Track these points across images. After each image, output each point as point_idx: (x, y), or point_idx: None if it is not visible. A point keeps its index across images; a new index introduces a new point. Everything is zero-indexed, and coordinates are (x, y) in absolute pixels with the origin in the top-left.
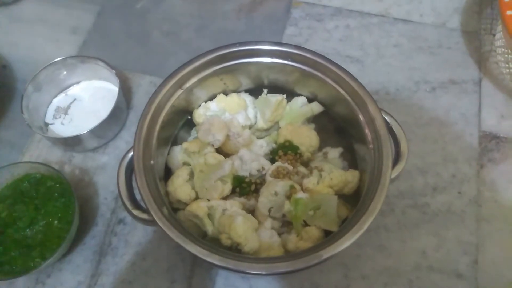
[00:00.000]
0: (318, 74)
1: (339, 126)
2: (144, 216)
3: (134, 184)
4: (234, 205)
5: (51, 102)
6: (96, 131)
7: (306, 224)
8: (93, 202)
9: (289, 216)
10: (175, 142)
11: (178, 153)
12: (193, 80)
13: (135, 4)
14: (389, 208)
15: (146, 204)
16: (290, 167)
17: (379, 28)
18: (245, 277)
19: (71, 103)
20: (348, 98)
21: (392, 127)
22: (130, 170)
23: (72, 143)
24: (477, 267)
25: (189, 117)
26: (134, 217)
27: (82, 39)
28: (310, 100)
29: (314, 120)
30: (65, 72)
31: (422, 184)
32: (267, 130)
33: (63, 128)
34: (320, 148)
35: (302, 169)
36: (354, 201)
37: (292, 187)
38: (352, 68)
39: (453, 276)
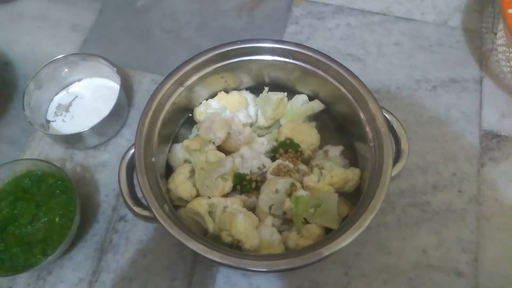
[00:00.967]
0: (319, 72)
1: (340, 124)
2: (145, 213)
3: (135, 181)
4: (235, 203)
5: (52, 99)
6: (97, 129)
7: (306, 222)
8: (94, 199)
9: (289, 213)
10: (176, 139)
11: (179, 151)
12: (194, 78)
13: (136, 2)
14: (390, 206)
15: (147, 202)
16: (291, 165)
17: (380, 26)
18: (246, 275)
19: (72, 100)
20: (349, 96)
21: (393, 125)
22: (131, 167)
23: (73, 140)
24: (477, 266)
25: (190, 115)
26: (135, 214)
27: (83, 37)
28: (311, 98)
29: (315, 118)
30: (66, 70)
31: (422, 183)
32: (268, 128)
33: (65, 125)
34: (321, 146)
35: (302, 167)
36: (354, 199)
37: (292, 184)
38: (353, 66)
39: (453, 274)
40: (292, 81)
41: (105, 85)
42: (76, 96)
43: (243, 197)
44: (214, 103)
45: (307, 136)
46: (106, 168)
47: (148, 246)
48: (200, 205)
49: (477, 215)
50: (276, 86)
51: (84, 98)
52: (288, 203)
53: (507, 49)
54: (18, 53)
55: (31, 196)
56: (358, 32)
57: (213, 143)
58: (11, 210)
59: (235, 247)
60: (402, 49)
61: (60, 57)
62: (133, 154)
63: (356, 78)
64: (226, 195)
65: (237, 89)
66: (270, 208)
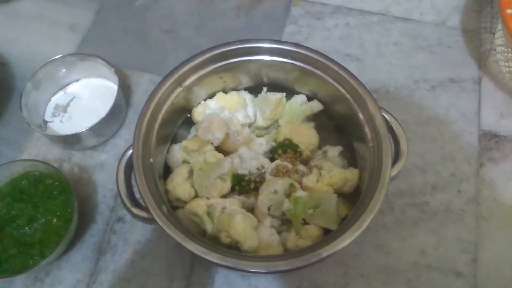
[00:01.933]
0: (318, 72)
1: (339, 124)
2: (143, 214)
3: (133, 182)
4: (234, 203)
5: (50, 100)
6: (95, 129)
7: (305, 223)
8: (92, 200)
9: (288, 214)
10: (175, 140)
11: (177, 151)
12: (193, 78)
13: (134, 1)
14: (389, 207)
15: (145, 202)
16: (290, 166)
17: (379, 26)
18: (244, 276)
19: (70, 101)
20: (348, 96)
21: (392, 125)
22: (129, 168)
23: (71, 141)
24: (476, 266)
25: (189, 115)
26: (133, 215)
27: (81, 37)
28: (309, 98)
29: (314, 118)
30: (64, 70)
31: (421, 183)
32: (266, 128)
33: (62, 126)
34: (319, 147)
35: (301, 167)
36: (353, 199)
37: (291, 185)
38: (352, 66)
39: (452, 274)
40: (291, 81)
41: (103, 86)
42: (74, 97)
43: (242, 197)
44: (213, 104)
45: (306, 137)
46: (104, 169)
47: (146, 247)
48: (199, 206)
49: (476, 215)
50: (274, 86)
51: (82, 98)
52: (287, 204)
53: (506, 49)
54: (16, 53)
55: (29, 197)
56: (357, 32)
57: (212, 143)
58: (8, 211)
59: (233, 248)
60: (401, 49)
61: (58, 57)
62: (131, 155)
63: (355, 78)
64: (224, 196)
65: (236, 89)
66: (269, 208)
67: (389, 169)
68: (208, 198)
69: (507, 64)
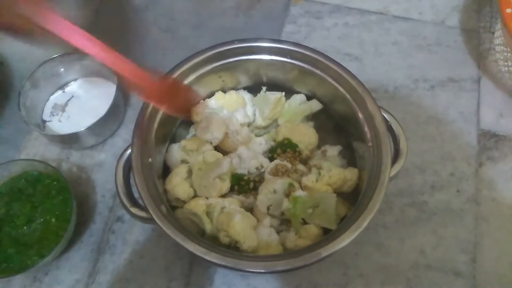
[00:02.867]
0: (317, 71)
1: (338, 124)
2: (142, 214)
3: (132, 182)
4: (233, 203)
5: (48, 99)
6: (94, 129)
7: (304, 222)
8: (90, 200)
9: (287, 214)
10: (173, 139)
11: (176, 151)
12: (192, 77)
13: (133, 1)
14: (388, 207)
15: (144, 202)
16: (289, 165)
17: (378, 26)
18: (244, 275)
19: (68, 100)
20: (347, 96)
21: (391, 125)
22: (128, 168)
23: (69, 140)
24: (475, 266)
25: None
26: (132, 215)
27: None
28: (309, 98)
29: (313, 118)
30: (62, 69)
31: (420, 183)
32: (265, 127)
33: (61, 125)
34: (319, 146)
35: (300, 167)
36: (353, 199)
37: (290, 185)
38: (351, 66)
39: (451, 274)
40: (290, 80)
41: (102, 85)
42: (72, 96)
43: (241, 197)
44: (212, 103)
45: (305, 136)
46: (103, 169)
47: (145, 247)
48: (198, 206)
49: (475, 215)
50: (273, 86)
51: (81, 97)
52: (286, 204)
53: (505, 49)
54: (14, 52)
55: (27, 197)
56: (356, 32)
57: (211, 143)
58: (7, 211)
59: (232, 248)
60: (400, 48)
61: (56, 57)
62: (130, 154)
63: (354, 77)
64: (223, 196)
65: (235, 88)
66: (268, 208)
67: (388, 169)
68: (207, 198)
69: (506, 63)
